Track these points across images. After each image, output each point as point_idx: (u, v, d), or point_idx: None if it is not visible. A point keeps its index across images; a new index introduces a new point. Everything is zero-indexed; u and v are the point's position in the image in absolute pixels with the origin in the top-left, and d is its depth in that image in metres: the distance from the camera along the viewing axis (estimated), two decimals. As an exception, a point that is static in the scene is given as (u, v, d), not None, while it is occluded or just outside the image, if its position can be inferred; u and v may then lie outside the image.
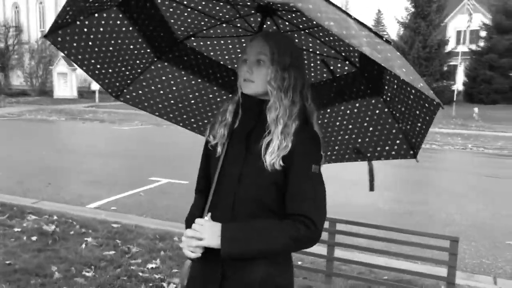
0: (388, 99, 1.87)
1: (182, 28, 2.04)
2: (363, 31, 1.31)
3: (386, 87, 1.83)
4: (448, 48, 33.62)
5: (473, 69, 32.86)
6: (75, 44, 1.86)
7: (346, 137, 2.13)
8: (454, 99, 27.43)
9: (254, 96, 1.58)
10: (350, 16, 1.36)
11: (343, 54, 1.90)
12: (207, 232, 1.47)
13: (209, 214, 1.55)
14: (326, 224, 2.89)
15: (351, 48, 1.74)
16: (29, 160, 10.34)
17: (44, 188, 7.61)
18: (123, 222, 5.57)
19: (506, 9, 31.67)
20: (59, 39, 1.82)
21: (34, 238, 4.80)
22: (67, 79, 31.40)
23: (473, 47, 33.44)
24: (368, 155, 2.10)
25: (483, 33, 33.38)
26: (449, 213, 6.87)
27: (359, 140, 2.09)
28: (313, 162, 1.50)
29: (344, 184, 8.54)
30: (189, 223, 1.60)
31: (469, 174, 10.57)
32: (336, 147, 2.20)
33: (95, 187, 7.85)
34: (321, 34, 1.76)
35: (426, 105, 1.56)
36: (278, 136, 1.50)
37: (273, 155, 1.48)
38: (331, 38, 1.68)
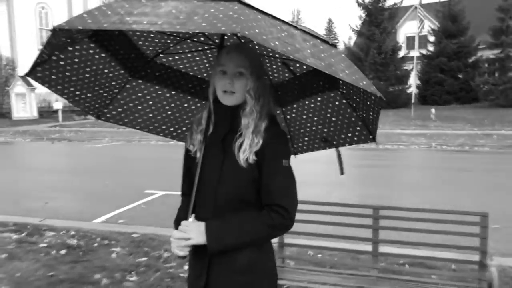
0: (344, 92, 2.12)
1: (151, 48, 2.22)
2: (308, 42, 1.46)
3: (341, 82, 2.05)
4: (401, 53, 35.23)
5: (425, 73, 34.54)
6: (53, 77, 2.05)
7: (314, 128, 2.36)
8: (412, 101, 28.80)
9: (231, 105, 1.76)
10: (296, 27, 1.52)
11: None
12: (193, 232, 1.67)
13: (193, 215, 1.74)
14: (370, 211, 3.31)
15: None
16: (15, 180, 10.26)
17: (43, 207, 7.66)
18: (141, 232, 5.79)
19: (452, 15, 33.60)
20: (39, 74, 2.00)
21: (63, 252, 4.97)
22: (26, 99, 30.63)
23: (423, 51, 35.18)
24: (335, 142, 2.33)
25: (431, 38, 35.21)
26: (433, 203, 7.48)
27: (325, 130, 2.33)
28: (283, 157, 1.70)
29: (321, 184, 9.03)
30: (176, 225, 1.79)
31: (440, 169, 11.33)
32: (306, 138, 2.45)
33: (93, 203, 7.97)
34: None
35: (373, 97, 1.81)
36: (249, 136, 1.69)
37: (246, 152, 1.68)
38: None
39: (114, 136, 20.92)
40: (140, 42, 2.16)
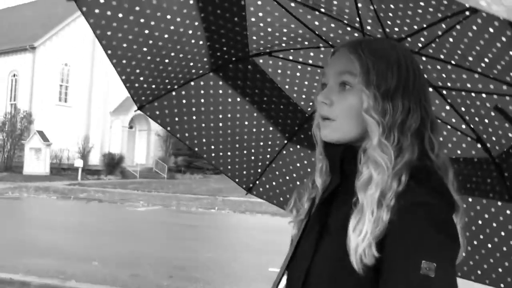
0: None
1: (262, 41, 1.48)
2: None
3: None
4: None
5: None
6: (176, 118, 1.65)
7: (496, 253, 1.50)
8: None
9: (338, 143, 1.02)
10: None
11: None
12: None
13: None
14: None
15: None
16: (104, 245, 9.24)
17: (173, 283, 6.72)
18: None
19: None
20: (157, 112, 1.62)
21: None
22: (40, 154, 29.52)
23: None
24: None
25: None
26: None
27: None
28: (422, 255, 0.85)
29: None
30: None
31: None
32: (485, 266, 1.53)
33: (239, 279, 7.08)
34: (477, 60, 1.16)
35: None
36: (372, 207, 0.90)
37: (363, 243, 0.88)
38: (494, 60, 1.09)
39: (148, 199, 19.88)
40: (254, 28, 1.43)
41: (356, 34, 1.33)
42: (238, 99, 1.63)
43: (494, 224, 1.46)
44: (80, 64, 33.67)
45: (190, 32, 1.39)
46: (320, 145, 1.09)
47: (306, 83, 1.58)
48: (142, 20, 1.29)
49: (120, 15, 1.25)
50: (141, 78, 1.46)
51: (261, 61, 1.55)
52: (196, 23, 1.37)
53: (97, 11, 1.22)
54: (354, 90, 0.99)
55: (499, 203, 1.42)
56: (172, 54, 1.43)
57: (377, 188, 0.91)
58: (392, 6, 1.08)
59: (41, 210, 15.53)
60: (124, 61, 1.38)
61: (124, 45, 1.34)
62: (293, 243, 1.10)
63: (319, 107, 1.04)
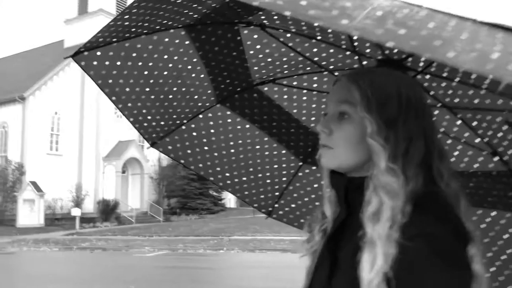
0: None
1: (264, 70, 1.51)
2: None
3: None
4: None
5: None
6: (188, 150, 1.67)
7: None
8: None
9: (339, 170, 1.02)
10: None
11: None
12: None
13: None
14: None
15: None
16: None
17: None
18: None
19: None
20: (169, 147, 1.64)
21: None
22: (34, 206, 28.92)
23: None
24: None
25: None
26: None
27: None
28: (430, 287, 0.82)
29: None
30: None
31: None
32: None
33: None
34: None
35: None
36: (382, 241, 0.86)
37: (376, 277, 0.85)
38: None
39: (152, 244, 19.53)
40: (253, 60, 1.47)
41: (356, 57, 1.35)
42: (247, 126, 1.65)
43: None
44: (70, 112, 33.55)
45: (189, 67, 1.43)
46: (326, 175, 1.07)
47: (313, 105, 1.60)
48: (140, 64, 1.35)
49: (119, 63, 1.31)
50: (149, 117, 1.51)
51: (266, 88, 1.59)
52: (195, 60, 1.41)
53: (95, 63, 1.27)
54: (352, 119, 0.98)
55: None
56: (174, 89, 1.47)
57: (387, 219, 0.87)
58: None
59: (47, 264, 15.10)
60: (129, 104, 1.43)
61: (127, 89, 1.38)
62: (308, 276, 1.07)
63: (320, 135, 1.03)
